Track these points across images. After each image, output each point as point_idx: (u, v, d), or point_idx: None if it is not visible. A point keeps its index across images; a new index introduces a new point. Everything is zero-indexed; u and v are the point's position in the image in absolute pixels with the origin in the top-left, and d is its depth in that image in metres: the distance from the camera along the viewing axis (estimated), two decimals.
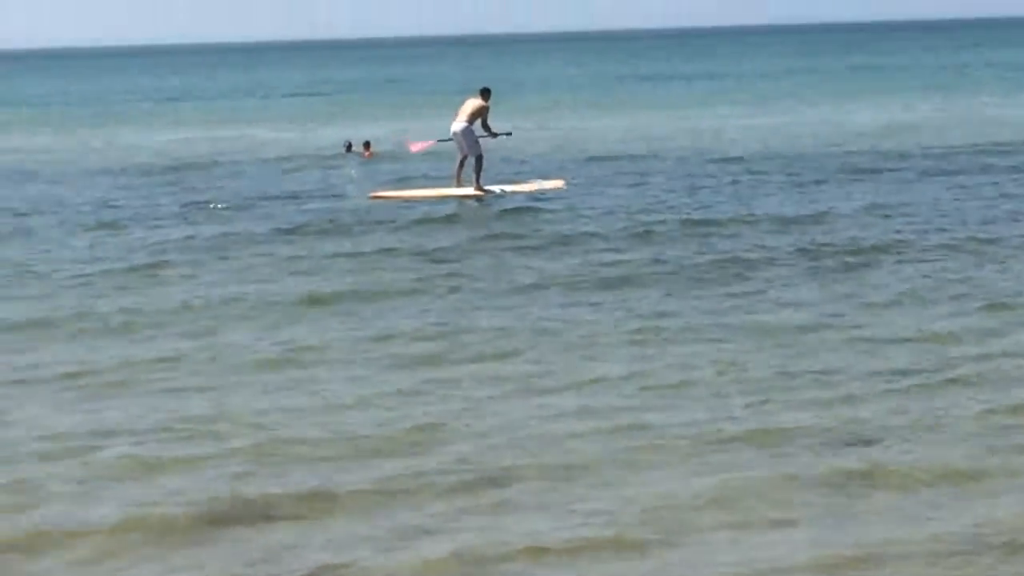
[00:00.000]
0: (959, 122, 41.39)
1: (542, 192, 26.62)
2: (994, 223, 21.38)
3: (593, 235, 21.21)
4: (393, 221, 23.19)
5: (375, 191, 27.04)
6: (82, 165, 35.55)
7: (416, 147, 29.52)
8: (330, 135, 42.60)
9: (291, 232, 22.35)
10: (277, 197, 27.08)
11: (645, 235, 21.07)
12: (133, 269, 19.17)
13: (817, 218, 22.36)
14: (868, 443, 10.77)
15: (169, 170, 33.43)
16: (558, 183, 27.54)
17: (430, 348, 14.19)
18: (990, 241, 19.78)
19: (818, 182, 27.30)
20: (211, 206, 25.69)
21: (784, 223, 21.89)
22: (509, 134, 28.42)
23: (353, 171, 31.93)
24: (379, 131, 41.97)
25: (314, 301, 16.66)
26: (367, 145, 36.08)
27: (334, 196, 27.11)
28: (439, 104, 51.53)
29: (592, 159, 33.29)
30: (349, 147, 36.40)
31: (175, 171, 33.15)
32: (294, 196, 27.20)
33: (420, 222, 23.14)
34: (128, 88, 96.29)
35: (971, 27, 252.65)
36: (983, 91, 58.04)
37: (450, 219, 23.65)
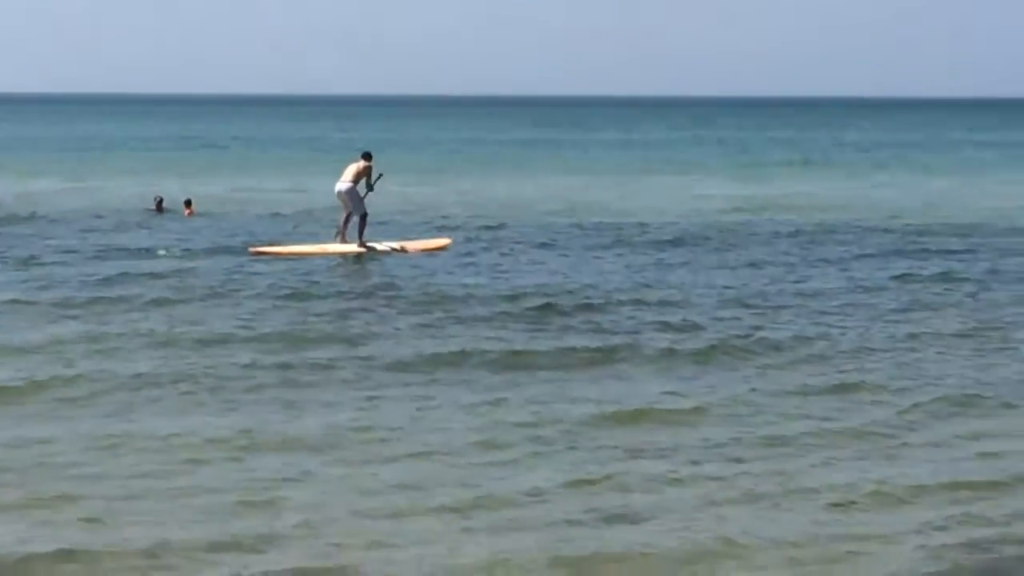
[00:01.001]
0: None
1: (426, 250, 27.22)
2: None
3: (459, 299, 20.98)
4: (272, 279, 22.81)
5: (256, 246, 27.19)
6: None
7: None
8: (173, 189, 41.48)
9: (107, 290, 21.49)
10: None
11: (510, 302, 20.71)
12: None
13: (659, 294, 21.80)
14: None
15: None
16: (443, 242, 28.20)
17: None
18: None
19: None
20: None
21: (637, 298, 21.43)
22: (380, 175, 28.00)
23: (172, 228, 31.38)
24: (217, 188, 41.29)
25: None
26: (188, 203, 34.91)
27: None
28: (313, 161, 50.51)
29: (474, 220, 33.29)
30: (160, 203, 35.08)
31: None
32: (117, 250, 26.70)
33: (299, 279, 22.91)
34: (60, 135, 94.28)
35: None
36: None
37: (329, 275, 23.85)
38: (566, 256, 26.74)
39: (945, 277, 24.14)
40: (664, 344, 17.70)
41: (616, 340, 17.97)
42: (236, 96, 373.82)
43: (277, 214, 35.33)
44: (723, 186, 48.34)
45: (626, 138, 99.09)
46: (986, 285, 23.29)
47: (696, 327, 18.89)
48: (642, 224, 32.76)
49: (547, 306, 20.48)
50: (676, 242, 29.31)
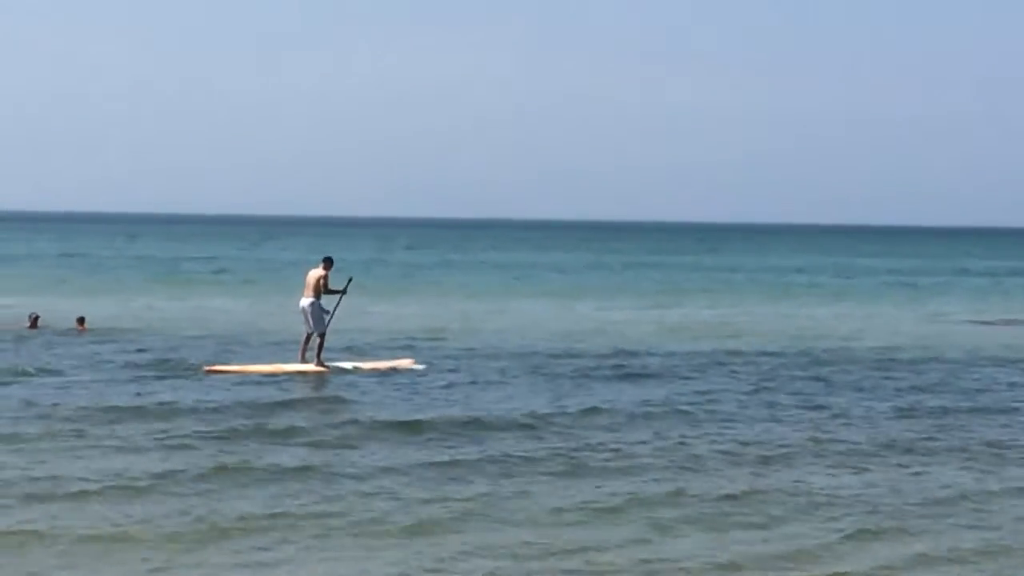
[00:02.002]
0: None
1: (391, 371, 26.27)
2: None
3: (416, 425, 20.26)
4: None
5: (211, 365, 26.11)
6: None
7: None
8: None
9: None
10: None
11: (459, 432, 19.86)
12: None
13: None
14: None
15: None
16: (407, 362, 27.15)
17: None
18: None
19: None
20: None
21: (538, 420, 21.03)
22: (351, 279, 27.30)
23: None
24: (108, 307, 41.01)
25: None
26: (81, 321, 33.56)
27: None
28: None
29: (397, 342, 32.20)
30: (35, 321, 33.60)
31: None
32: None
33: (256, 401, 22.17)
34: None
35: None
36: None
37: (285, 397, 22.96)
38: (515, 382, 25.55)
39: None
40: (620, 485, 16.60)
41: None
42: (136, 215, 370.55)
43: (178, 334, 33.63)
44: (638, 309, 47.72)
45: (529, 260, 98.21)
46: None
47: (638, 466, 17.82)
48: (563, 351, 31.61)
49: (484, 432, 19.82)
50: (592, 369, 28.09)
